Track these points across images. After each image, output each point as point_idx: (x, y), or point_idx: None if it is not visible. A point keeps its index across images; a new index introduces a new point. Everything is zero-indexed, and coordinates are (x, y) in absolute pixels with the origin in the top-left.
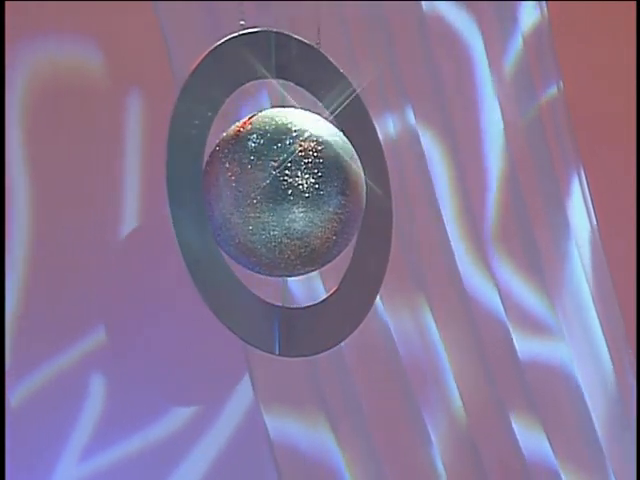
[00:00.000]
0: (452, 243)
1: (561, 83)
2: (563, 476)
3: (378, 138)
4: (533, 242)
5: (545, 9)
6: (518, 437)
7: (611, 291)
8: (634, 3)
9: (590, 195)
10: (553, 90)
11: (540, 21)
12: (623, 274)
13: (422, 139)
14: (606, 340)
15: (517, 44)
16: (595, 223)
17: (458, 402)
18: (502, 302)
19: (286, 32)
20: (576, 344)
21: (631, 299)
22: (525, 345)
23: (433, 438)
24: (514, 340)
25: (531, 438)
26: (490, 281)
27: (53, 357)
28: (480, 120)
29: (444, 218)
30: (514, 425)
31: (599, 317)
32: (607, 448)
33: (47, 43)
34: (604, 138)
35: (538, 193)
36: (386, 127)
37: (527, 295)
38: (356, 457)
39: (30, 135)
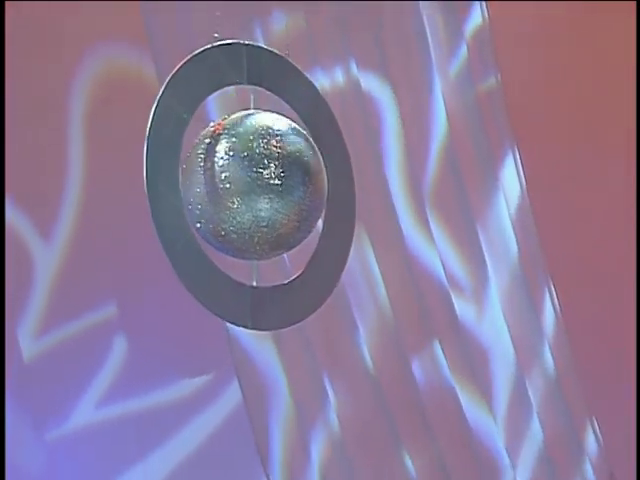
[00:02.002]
0: (394, 191)
1: (499, 76)
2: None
3: (341, 134)
4: (467, 200)
5: (486, 11)
6: (444, 362)
7: (536, 246)
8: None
9: (522, 168)
10: (492, 80)
11: (482, 22)
12: (550, 228)
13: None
14: (525, 275)
15: (462, 43)
16: (525, 186)
17: (393, 328)
18: (439, 256)
19: (256, 43)
20: (500, 275)
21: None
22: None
23: (367, 354)
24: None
25: (457, 362)
26: (426, 233)
27: (81, 318)
28: (426, 101)
29: (388, 176)
30: (440, 352)
31: (521, 263)
32: (525, 369)
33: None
34: (538, 121)
35: (474, 163)
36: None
37: (459, 248)
38: (300, 374)
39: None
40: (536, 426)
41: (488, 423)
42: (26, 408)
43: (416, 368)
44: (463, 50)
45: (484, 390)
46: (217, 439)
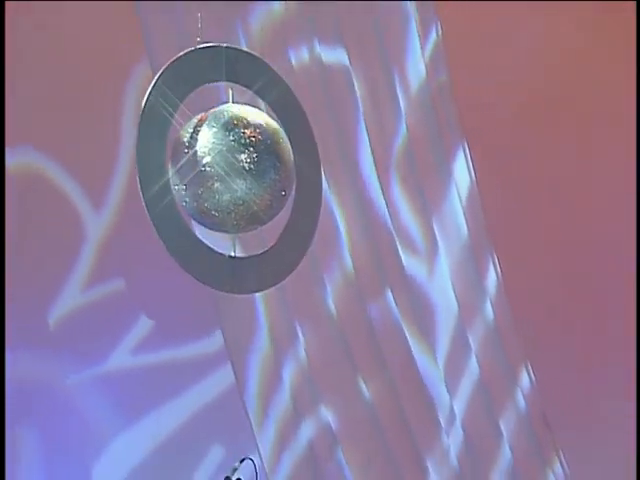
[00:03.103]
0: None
1: (447, 76)
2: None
3: (309, 123)
4: (421, 188)
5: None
6: (395, 309)
7: (482, 221)
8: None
9: (472, 158)
10: (443, 77)
11: (434, 22)
12: (495, 214)
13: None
14: (472, 245)
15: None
16: (474, 178)
17: (351, 268)
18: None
19: (233, 46)
20: (451, 243)
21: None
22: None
23: (329, 288)
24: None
25: (407, 310)
26: (389, 201)
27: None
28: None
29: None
30: (392, 300)
31: (470, 235)
32: (466, 321)
33: None
34: (486, 116)
35: (429, 151)
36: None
37: (417, 218)
38: (277, 319)
39: None
40: (474, 365)
41: (430, 360)
42: (70, 351)
43: (372, 312)
44: (417, 47)
45: (429, 333)
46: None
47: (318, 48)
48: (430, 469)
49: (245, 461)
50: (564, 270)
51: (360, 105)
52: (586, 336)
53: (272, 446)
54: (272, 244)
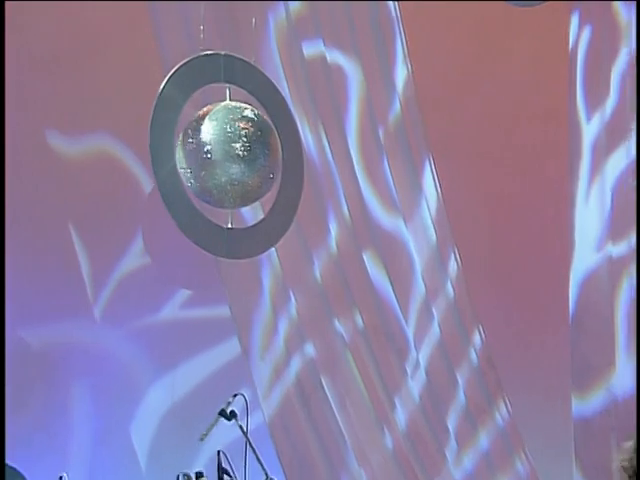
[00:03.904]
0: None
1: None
2: None
3: (293, 117)
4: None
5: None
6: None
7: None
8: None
9: (438, 177)
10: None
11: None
12: (464, 225)
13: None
14: (438, 239)
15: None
16: (441, 197)
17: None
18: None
19: (230, 53)
20: (418, 235)
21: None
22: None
23: (316, 261)
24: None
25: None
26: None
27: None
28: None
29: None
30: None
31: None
32: (431, 297)
33: None
34: (452, 131)
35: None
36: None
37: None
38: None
39: None
40: (436, 328)
41: (401, 322)
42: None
43: (349, 272)
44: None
45: (401, 303)
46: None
47: (320, 47)
48: (397, 404)
49: (237, 396)
50: (507, 256)
51: (353, 103)
52: (524, 299)
53: (267, 381)
54: (262, 218)
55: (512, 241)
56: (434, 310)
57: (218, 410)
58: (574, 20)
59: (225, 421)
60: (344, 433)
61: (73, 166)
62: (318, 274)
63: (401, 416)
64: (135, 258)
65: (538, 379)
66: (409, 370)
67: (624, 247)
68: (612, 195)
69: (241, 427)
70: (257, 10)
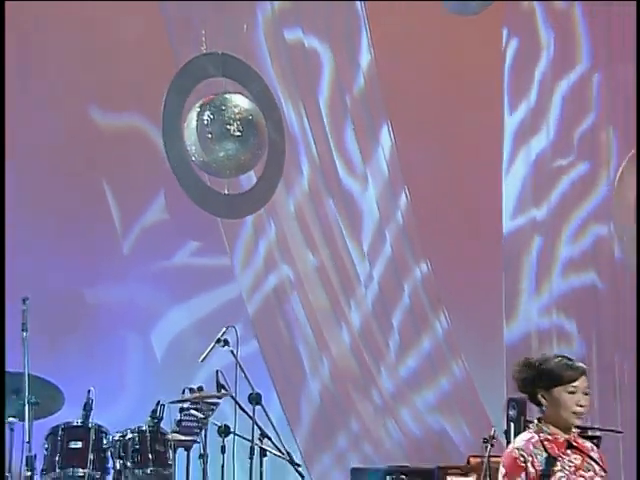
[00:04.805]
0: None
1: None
2: None
3: (278, 107)
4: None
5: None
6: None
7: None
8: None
9: (393, 132)
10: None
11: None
12: (414, 169)
13: None
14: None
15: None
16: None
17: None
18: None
19: (227, 52)
20: None
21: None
22: None
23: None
24: None
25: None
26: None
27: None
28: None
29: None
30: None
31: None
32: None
33: None
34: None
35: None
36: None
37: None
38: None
39: None
40: (388, 248)
41: (357, 245)
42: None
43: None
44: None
45: (357, 228)
46: None
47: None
48: (353, 307)
49: (230, 328)
50: (449, 203)
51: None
52: (462, 230)
53: (248, 291)
54: (252, 186)
55: (453, 193)
56: (387, 233)
57: (215, 339)
58: (504, 32)
59: (220, 348)
60: (310, 328)
61: (109, 136)
62: (292, 207)
63: (356, 316)
64: (156, 214)
65: (475, 302)
66: (363, 280)
67: (544, 210)
68: (532, 167)
69: (232, 352)
70: (247, 9)
